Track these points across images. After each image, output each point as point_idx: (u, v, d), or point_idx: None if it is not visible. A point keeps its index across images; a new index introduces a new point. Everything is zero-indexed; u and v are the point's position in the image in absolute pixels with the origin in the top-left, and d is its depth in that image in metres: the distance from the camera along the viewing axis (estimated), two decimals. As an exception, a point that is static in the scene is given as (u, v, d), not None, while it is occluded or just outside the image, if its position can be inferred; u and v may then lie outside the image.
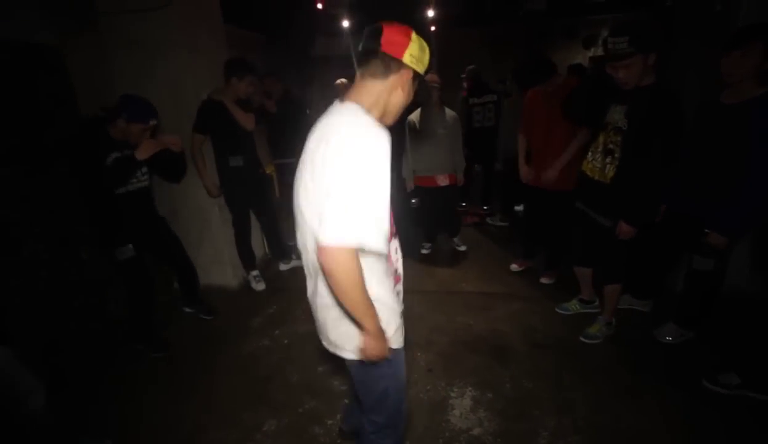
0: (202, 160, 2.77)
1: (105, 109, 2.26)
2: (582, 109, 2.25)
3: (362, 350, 1.10)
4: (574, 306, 2.61)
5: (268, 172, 3.16)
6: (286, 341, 2.53)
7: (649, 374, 2.10)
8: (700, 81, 2.55)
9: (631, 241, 2.06)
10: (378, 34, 0.99)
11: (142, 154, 2.18)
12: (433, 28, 6.97)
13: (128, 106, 2.12)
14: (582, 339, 2.35)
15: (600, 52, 6.24)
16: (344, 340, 1.16)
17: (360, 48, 1.04)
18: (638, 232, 2.02)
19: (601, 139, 2.11)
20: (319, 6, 5.04)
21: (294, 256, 3.39)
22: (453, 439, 1.78)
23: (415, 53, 1.02)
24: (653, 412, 1.87)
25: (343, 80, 5.25)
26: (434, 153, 3.26)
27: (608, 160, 2.04)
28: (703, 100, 2.11)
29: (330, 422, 1.90)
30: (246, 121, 2.79)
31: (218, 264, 3.13)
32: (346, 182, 0.92)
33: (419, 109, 3.26)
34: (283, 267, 3.43)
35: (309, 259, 1.12)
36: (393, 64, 1.01)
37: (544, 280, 3.04)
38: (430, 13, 5.78)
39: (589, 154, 2.19)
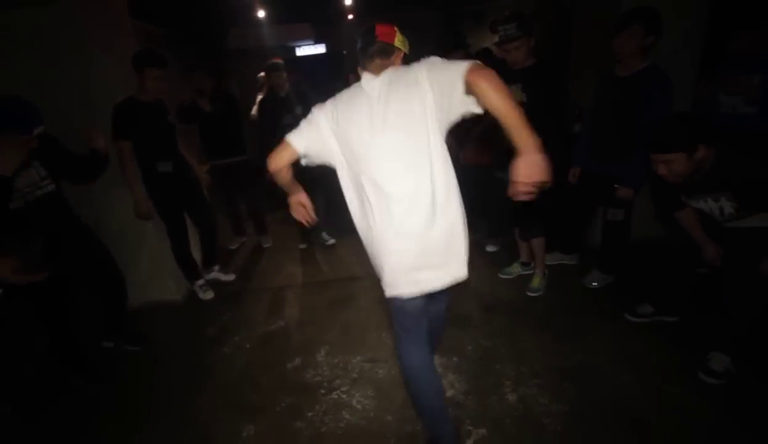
0: (134, 170, 2.50)
1: None
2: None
3: (526, 172, 1.18)
4: (515, 269, 2.89)
5: (200, 174, 2.96)
6: (248, 345, 2.47)
7: (583, 316, 2.42)
8: (596, 59, 2.92)
9: (548, 197, 2.35)
10: (373, 30, 1.37)
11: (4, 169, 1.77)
12: (350, 17, 6.99)
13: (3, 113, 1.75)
14: (528, 293, 2.63)
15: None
16: (462, 256, 1.40)
17: (361, 44, 1.38)
18: (553, 189, 2.31)
19: None
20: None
21: (216, 267, 3.25)
22: (430, 405, 1.91)
23: (400, 39, 1.40)
24: (593, 347, 2.16)
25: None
26: None
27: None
28: (602, 72, 2.43)
29: (311, 414, 1.92)
30: None
31: (158, 278, 2.93)
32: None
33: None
34: (218, 276, 3.24)
35: (424, 190, 1.29)
36: (389, 48, 1.37)
37: (489, 249, 3.30)
38: (347, 2, 5.81)
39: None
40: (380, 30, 1.36)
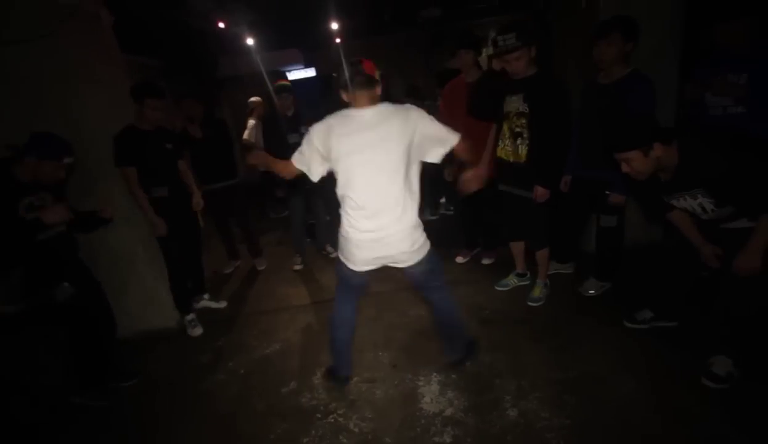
0: (143, 194, 2.55)
1: (10, 146, 2.01)
2: (489, 105, 2.50)
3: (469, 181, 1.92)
4: (512, 280, 2.86)
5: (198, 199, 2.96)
6: (242, 371, 2.42)
7: (582, 325, 2.38)
8: (578, 69, 2.97)
9: (549, 207, 2.35)
10: (360, 63, 1.65)
11: (49, 218, 1.95)
12: (338, 40, 7.13)
13: (39, 142, 1.99)
14: (529, 303, 2.61)
15: (491, 51, 6.87)
16: (424, 242, 1.83)
17: (349, 74, 1.63)
18: (553, 198, 2.32)
19: (506, 126, 2.39)
20: (222, 25, 4.88)
21: (206, 296, 3.21)
22: (429, 425, 1.85)
23: (378, 73, 1.70)
24: (593, 357, 2.12)
25: (258, 98, 5.15)
26: None
27: (519, 141, 2.31)
28: (586, 81, 2.46)
29: (306, 440, 1.86)
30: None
31: (153, 305, 2.88)
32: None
33: None
34: (209, 304, 3.19)
35: (392, 195, 1.69)
36: (373, 80, 1.67)
37: (485, 261, 3.27)
38: (334, 26, 5.93)
39: (500, 142, 2.45)
40: (366, 65, 1.65)
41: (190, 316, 2.87)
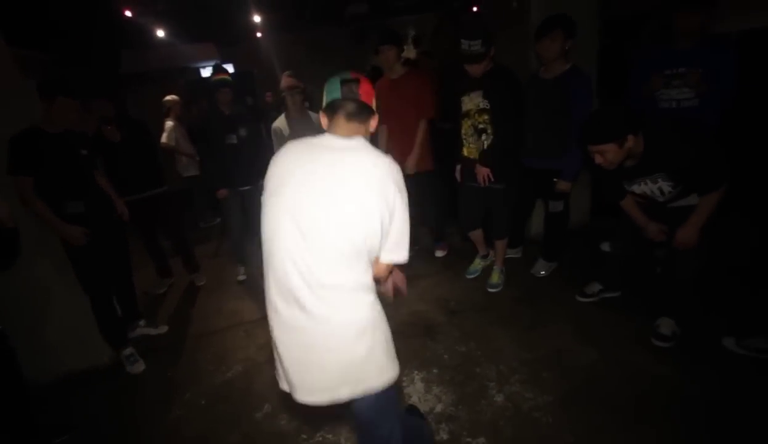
0: (43, 204, 2.10)
1: None
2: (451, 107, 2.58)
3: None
4: (478, 264, 2.96)
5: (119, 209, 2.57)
6: (203, 402, 2.15)
7: (541, 305, 2.55)
8: (515, 66, 3.15)
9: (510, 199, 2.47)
10: (357, 84, 1.18)
11: None
12: (259, 35, 6.73)
13: None
14: (489, 289, 2.71)
15: (412, 49, 7.01)
16: (375, 368, 1.17)
17: (341, 95, 1.18)
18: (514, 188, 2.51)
19: (467, 124, 2.47)
20: (128, 14, 4.29)
21: (141, 322, 2.83)
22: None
23: (375, 102, 1.24)
24: (557, 333, 2.28)
25: (174, 97, 4.65)
26: None
27: (483, 137, 2.40)
28: (530, 75, 2.61)
29: (295, 465, 1.72)
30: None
31: (76, 342, 2.42)
32: (405, 211, 1.17)
33: (282, 116, 3.11)
34: (147, 331, 2.80)
35: (331, 284, 1.10)
36: (369, 110, 1.22)
37: (438, 254, 3.33)
38: (256, 19, 5.57)
39: (464, 141, 2.51)
40: (364, 88, 1.18)
41: (128, 351, 2.46)
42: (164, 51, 6.16)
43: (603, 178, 2.08)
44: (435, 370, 2.13)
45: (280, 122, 3.10)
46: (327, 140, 1.18)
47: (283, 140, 3.13)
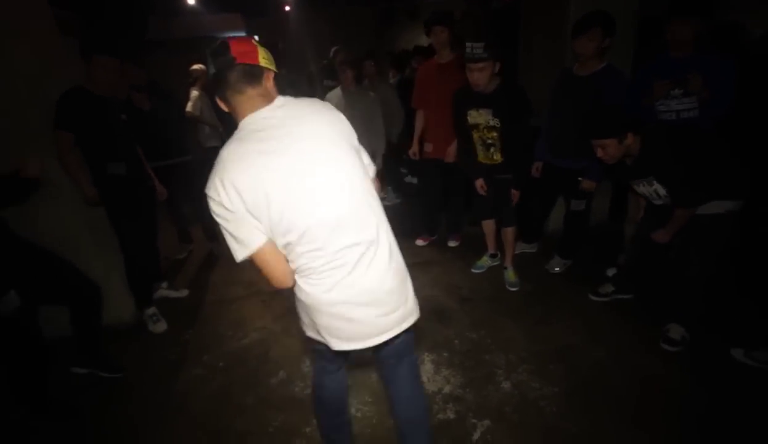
0: (76, 160, 2.19)
1: None
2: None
3: None
4: (485, 261, 2.99)
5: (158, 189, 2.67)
6: (221, 364, 2.26)
7: (553, 300, 2.59)
8: (547, 61, 3.13)
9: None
10: (227, 48, 1.02)
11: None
12: (287, 8, 6.69)
13: None
14: (509, 289, 2.73)
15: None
16: (415, 301, 1.27)
17: (215, 68, 1.04)
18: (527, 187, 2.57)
19: (476, 136, 2.49)
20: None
21: (164, 284, 2.94)
22: (431, 403, 1.89)
23: (265, 56, 1.08)
24: (567, 329, 2.32)
25: (201, 66, 4.66)
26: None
27: (492, 150, 2.47)
28: (560, 71, 2.60)
29: (308, 429, 1.80)
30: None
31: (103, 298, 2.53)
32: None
33: (337, 89, 3.11)
34: (167, 293, 2.92)
35: (370, 233, 1.12)
36: (255, 69, 1.05)
37: (451, 243, 3.37)
38: (285, -7, 5.54)
39: (476, 149, 2.55)
40: (237, 48, 1.02)
41: (151, 310, 2.58)
42: (190, 19, 6.16)
43: (612, 173, 2.18)
44: (445, 354, 2.20)
45: (335, 95, 3.12)
46: (253, 124, 1.05)
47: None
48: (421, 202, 3.62)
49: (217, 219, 1.05)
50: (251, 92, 1.05)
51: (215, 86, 1.05)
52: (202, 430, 1.85)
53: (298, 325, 2.46)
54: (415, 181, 3.85)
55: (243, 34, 7.04)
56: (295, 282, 1.16)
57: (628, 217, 2.70)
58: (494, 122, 2.37)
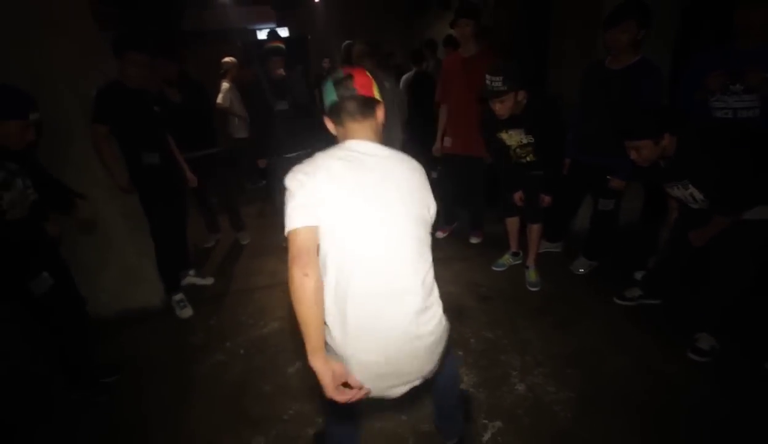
0: (110, 151, 2.31)
1: None
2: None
3: None
4: (507, 260, 2.93)
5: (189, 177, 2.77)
6: (242, 351, 2.34)
7: (575, 302, 2.52)
8: (580, 51, 2.99)
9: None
10: (351, 79, 1.13)
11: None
12: (316, 0, 6.71)
13: None
14: (530, 289, 2.68)
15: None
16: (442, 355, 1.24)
17: (337, 97, 1.14)
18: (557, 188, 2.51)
19: (511, 154, 2.46)
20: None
21: (191, 272, 3.04)
22: (443, 401, 1.90)
23: (376, 88, 1.19)
24: (589, 332, 2.26)
25: (232, 58, 4.77)
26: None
27: (527, 159, 2.45)
28: (591, 64, 2.48)
29: (320, 420, 1.85)
30: None
31: (134, 282, 2.68)
32: None
33: None
34: (194, 280, 3.03)
35: (418, 280, 1.12)
36: (372, 102, 1.18)
37: (473, 240, 3.33)
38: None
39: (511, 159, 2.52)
40: (359, 81, 1.13)
41: (178, 296, 2.70)
42: (222, 11, 6.29)
43: (644, 176, 2.09)
44: (460, 352, 2.18)
45: None
46: (358, 146, 1.13)
47: None
48: (437, 194, 3.57)
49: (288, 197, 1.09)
50: (365, 122, 1.16)
51: (334, 111, 1.15)
52: (221, 414, 1.94)
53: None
54: (434, 175, 3.81)
55: (273, 26, 7.13)
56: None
57: (666, 219, 2.56)
58: (527, 139, 2.34)
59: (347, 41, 4.21)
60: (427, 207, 1.21)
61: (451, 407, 1.59)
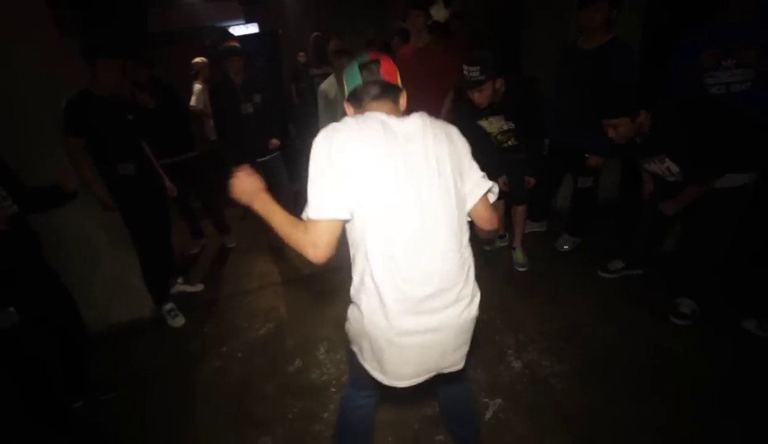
0: (89, 166, 2.24)
1: None
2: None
3: None
4: (495, 242, 2.99)
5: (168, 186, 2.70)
6: (240, 354, 2.33)
7: (563, 279, 2.60)
8: (552, 40, 3.04)
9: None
10: (378, 65, 1.10)
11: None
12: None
13: None
14: (518, 269, 2.75)
15: (442, 10, 6.70)
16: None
17: (362, 81, 1.10)
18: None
19: (492, 140, 2.49)
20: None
21: (179, 279, 2.98)
22: (444, 385, 1.95)
23: (399, 77, 1.14)
24: (578, 307, 2.34)
25: (203, 59, 4.65)
26: None
27: (508, 143, 2.48)
28: (566, 47, 2.53)
29: (326, 415, 1.87)
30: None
31: (122, 295, 2.62)
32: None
33: (329, 78, 3.09)
34: (183, 288, 2.97)
35: (451, 269, 1.08)
36: (396, 89, 1.14)
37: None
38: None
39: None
40: (385, 67, 1.10)
41: (169, 305, 2.65)
42: (188, 9, 6.10)
43: (622, 152, 2.17)
44: (456, 336, 2.23)
45: (327, 84, 3.10)
46: (381, 116, 1.06)
47: (329, 102, 3.13)
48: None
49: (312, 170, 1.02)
50: (387, 104, 1.11)
51: (356, 95, 1.12)
52: (225, 418, 1.94)
53: (311, 314, 2.52)
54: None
55: (242, 22, 6.96)
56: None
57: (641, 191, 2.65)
58: (508, 125, 2.36)
59: (315, 33, 4.16)
60: (461, 174, 1.11)
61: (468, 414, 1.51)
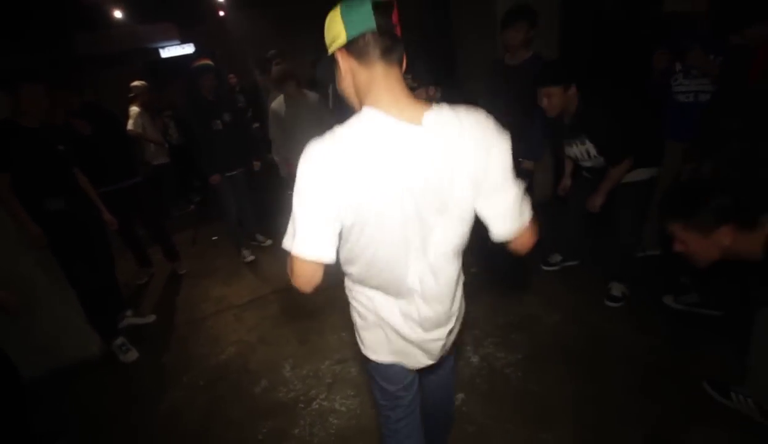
0: (16, 202, 2.10)
1: None
2: None
3: None
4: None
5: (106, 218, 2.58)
6: (201, 382, 2.27)
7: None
8: (482, 56, 3.31)
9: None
10: (390, 10, 0.85)
11: None
12: (222, 13, 6.49)
13: None
14: (471, 270, 2.88)
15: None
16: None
17: (384, 44, 0.84)
18: None
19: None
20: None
21: (128, 312, 2.85)
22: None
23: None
24: (526, 299, 2.54)
25: (142, 82, 4.50)
26: (306, 141, 3.16)
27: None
28: (493, 62, 2.78)
29: (297, 431, 1.89)
30: None
31: (66, 333, 2.46)
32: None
33: (280, 97, 3.11)
34: (134, 321, 2.84)
35: (446, 272, 1.02)
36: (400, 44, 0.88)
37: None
38: (218, -2, 5.39)
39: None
40: (396, 17, 0.86)
41: (119, 340, 2.52)
42: (121, 31, 5.87)
43: (554, 132, 2.35)
44: (417, 339, 2.33)
45: (277, 104, 3.12)
46: (387, 120, 0.84)
47: (280, 121, 3.14)
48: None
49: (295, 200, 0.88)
50: (395, 68, 0.87)
51: (364, 44, 0.83)
52: (192, 449, 1.89)
53: (273, 333, 2.52)
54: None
55: (177, 43, 6.78)
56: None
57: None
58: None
59: (272, 51, 4.05)
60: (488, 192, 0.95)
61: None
